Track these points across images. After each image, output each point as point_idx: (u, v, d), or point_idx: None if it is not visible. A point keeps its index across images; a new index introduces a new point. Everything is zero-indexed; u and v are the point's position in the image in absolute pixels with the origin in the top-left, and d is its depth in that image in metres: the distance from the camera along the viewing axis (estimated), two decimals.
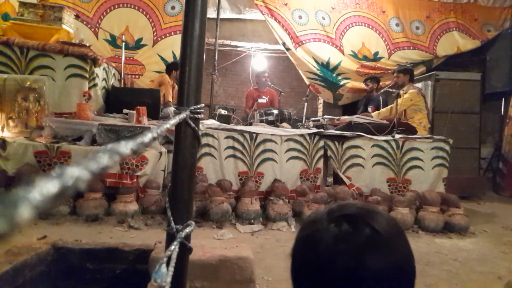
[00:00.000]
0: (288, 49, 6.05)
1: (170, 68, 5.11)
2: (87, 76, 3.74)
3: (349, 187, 3.78)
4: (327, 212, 0.65)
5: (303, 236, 0.66)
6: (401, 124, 4.32)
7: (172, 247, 0.68)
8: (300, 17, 6.07)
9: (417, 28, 6.33)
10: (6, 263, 1.43)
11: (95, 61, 3.80)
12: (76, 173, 0.35)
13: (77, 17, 4.42)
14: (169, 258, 0.64)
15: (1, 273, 1.36)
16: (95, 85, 3.90)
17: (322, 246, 0.59)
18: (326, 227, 0.61)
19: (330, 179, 4.83)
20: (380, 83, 5.64)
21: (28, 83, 3.39)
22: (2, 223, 0.26)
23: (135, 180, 3.15)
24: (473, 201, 4.95)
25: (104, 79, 4.25)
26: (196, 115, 0.86)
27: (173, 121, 0.73)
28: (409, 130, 4.36)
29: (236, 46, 7.12)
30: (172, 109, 4.46)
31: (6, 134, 3.36)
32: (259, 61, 7.89)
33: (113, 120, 3.65)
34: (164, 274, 0.58)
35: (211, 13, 5.63)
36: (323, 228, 0.61)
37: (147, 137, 0.56)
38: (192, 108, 0.85)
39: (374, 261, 0.56)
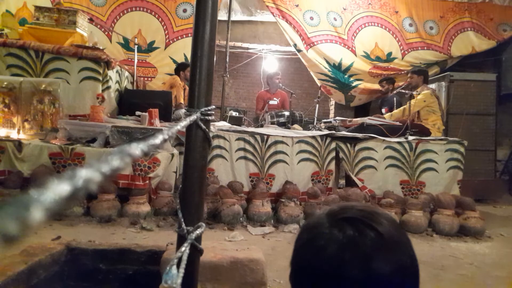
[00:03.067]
0: (299, 51, 6.03)
1: (179, 69, 5.14)
2: (101, 78, 3.79)
3: (361, 190, 3.75)
4: (327, 216, 0.62)
5: (303, 242, 0.62)
6: (415, 125, 4.27)
7: (183, 249, 0.68)
8: (311, 18, 6.05)
9: (431, 28, 6.24)
10: (22, 263, 1.45)
11: (108, 64, 3.85)
12: (88, 175, 0.35)
13: (91, 20, 4.49)
14: (180, 259, 0.64)
15: (17, 273, 1.39)
16: (108, 87, 3.96)
17: (326, 252, 0.56)
18: (329, 232, 0.58)
19: (342, 181, 4.79)
20: (395, 84, 5.58)
21: (43, 86, 3.45)
22: (15, 226, 0.26)
23: (147, 181, 3.17)
24: (489, 204, 4.84)
25: (117, 81, 4.30)
26: (206, 117, 0.86)
27: (184, 123, 0.73)
28: (423, 131, 4.30)
29: (247, 48, 7.14)
30: (183, 111, 4.48)
31: (22, 136, 3.43)
32: (270, 63, 7.90)
33: (126, 122, 3.70)
34: (174, 275, 0.58)
35: (222, 16, 5.66)
36: (326, 233, 0.58)
37: (158, 138, 0.56)
38: (202, 110, 0.85)
39: (381, 266, 0.55)
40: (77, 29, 4.09)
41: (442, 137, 4.27)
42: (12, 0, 5.07)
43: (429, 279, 2.26)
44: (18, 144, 3.16)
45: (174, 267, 0.59)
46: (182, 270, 0.59)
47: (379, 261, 0.55)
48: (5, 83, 3.43)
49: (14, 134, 3.44)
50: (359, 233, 0.56)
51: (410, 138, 4.01)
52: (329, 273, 0.56)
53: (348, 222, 0.58)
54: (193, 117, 0.80)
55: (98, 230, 2.75)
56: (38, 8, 4.07)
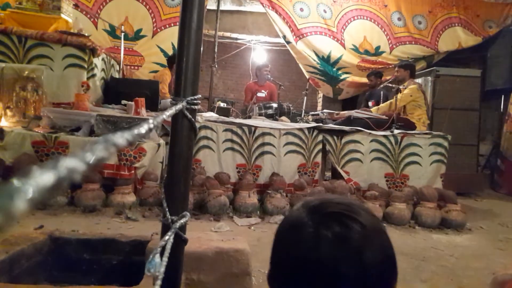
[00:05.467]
0: (288, 42, 6.01)
1: (172, 61, 5.05)
2: (86, 66, 3.71)
3: (347, 182, 3.79)
4: (309, 212, 0.60)
5: (289, 242, 0.60)
6: (400, 119, 4.32)
7: (166, 237, 0.68)
8: (301, 9, 6.04)
9: (420, 22, 6.30)
10: (3, 252, 1.43)
11: (93, 51, 3.77)
12: (71, 164, 0.35)
13: (76, 6, 4.39)
14: (164, 248, 0.63)
15: None
16: (93, 75, 3.88)
17: (318, 253, 0.55)
18: (316, 231, 0.57)
19: (328, 174, 4.84)
20: (382, 78, 5.63)
21: (26, 72, 3.36)
22: None
23: (133, 171, 3.14)
24: (471, 197, 4.97)
25: (103, 69, 4.22)
26: (192, 106, 0.85)
27: (170, 112, 0.72)
28: (408, 125, 4.35)
29: (236, 39, 7.09)
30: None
31: (4, 123, 3.35)
32: (259, 54, 7.86)
33: (112, 111, 3.64)
34: (157, 263, 0.58)
35: (211, 5, 5.60)
36: (312, 232, 0.57)
37: (143, 128, 0.55)
38: (188, 99, 0.84)
39: (371, 256, 0.55)
40: (62, 15, 3.98)
41: (427, 131, 4.33)
42: None
43: (411, 270, 2.31)
44: (0, 132, 3.09)
45: (158, 255, 0.58)
46: (165, 259, 0.59)
47: (369, 252, 0.55)
48: None
49: None
50: (345, 228, 0.56)
51: (396, 131, 4.07)
52: (324, 273, 0.55)
53: (331, 218, 0.58)
54: (179, 106, 0.80)
55: (82, 220, 2.72)
56: None
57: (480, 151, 5.81)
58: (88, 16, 5.38)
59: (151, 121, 0.54)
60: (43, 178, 0.30)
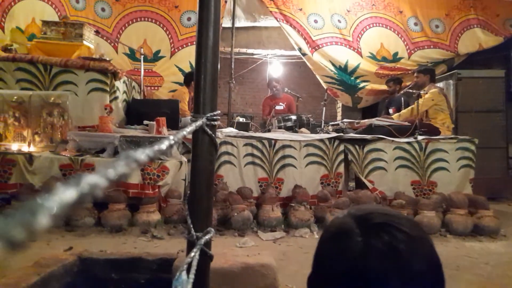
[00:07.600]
0: (304, 54, 6.03)
1: (189, 78, 5.15)
2: (108, 89, 3.83)
3: (371, 191, 3.71)
4: (356, 222, 0.61)
5: (336, 251, 0.60)
6: (424, 125, 4.22)
7: (192, 254, 0.68)
8: (315, 21, 6.06)
9: (437, 26, 6.20)
10: (35, 274, 1.46)
11: (115, 75, 3.89)
12: (93, 180, 0.35)
13: (97, 33, 4.55)
14: (190, 265, 0.63)
15: (30, 285, 1.40)
16: (116, 98, 3.99)
17: (367, 262, 0.55)
18: (365, 241, 0.57)
19: (352, 184, 4.75)
20: (402, 84, 5.55)
21: (52, 98, 3.49)
22: (20, 232, 0.26)
23: (157, 190, 3.18)
24: (503, 202, 4.76)
25: (124, 91, 4.34)
26: (212, 122, 0.86)
27: (190, 128, 0.73)
28: (432, 131, 4.25)
29: (252, 54, 7.18)
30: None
31: (32, 149, 3.47)
32: (275, 67, 7.91)
33: (134, 131, 3.72)
34: (184, 281, 0.57)
35: (226, 23, 5.70)
36: (361, 241, 0.57)
37: (164, 144, 0.56)
38: (208, 115, 0.85)
39: (420, 266, 0.56)
40: (84, 42, 4.14)
41: (452, 136, 4.22)
42: (22, 17, 5.16)
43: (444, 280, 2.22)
44: (29, 157, 3.20)
45: (184, 272, 0.58)
46: (192, 276, 0.59)
47: (417, 263, 0.56)
48: (15, 97, 3.49)
49: (25, 148, 3.48)
50: (394, 239, 0.56)
51: (420, 137, 3.97)
52: (371, 283, 0.55)
53: (380, 228, 0.58)
54: (199, 122, 0.81)
55: (109, 240, 2.76)
56: (46, 23, 4.15)
57: (510, 153, 5.59)
58: (109, 41, 5.57)
59: (171, 137, 0.55)
60: (65, 194, 0.30)
